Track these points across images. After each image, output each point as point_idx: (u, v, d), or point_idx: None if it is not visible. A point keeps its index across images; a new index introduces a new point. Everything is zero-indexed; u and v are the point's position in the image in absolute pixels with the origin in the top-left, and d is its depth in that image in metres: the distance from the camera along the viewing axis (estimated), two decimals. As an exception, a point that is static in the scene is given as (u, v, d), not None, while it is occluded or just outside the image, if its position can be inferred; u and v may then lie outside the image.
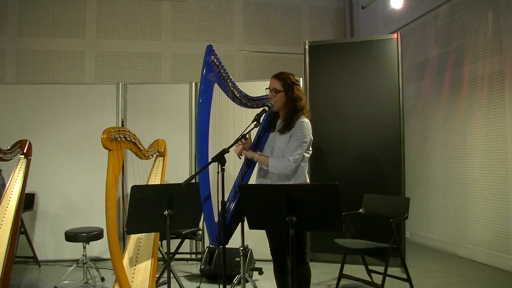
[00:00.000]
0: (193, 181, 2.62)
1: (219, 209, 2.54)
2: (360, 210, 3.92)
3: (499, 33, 4.48)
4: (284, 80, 2.76)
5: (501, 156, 4.44)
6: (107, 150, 3.06)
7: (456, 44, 5.10)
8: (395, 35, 4.65)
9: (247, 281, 3.20)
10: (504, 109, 4.42)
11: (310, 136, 2.73)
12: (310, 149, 2.79)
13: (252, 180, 2.86)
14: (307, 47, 4.93)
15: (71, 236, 3.92)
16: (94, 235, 3.97)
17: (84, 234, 3.92)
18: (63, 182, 4.94)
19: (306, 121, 2.73)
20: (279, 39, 7.22)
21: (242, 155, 2.80)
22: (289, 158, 2.63)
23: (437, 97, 5.43)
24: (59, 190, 4.93)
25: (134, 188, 2.67)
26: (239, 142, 2.69)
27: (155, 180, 3.90)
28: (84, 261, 3.97)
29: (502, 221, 4.41)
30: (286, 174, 2.68)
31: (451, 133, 5.17)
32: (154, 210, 2.70)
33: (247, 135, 2.68)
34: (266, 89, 2.82)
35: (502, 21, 4.44)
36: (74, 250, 4.56)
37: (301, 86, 2.92)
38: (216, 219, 2.69)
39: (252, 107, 2.91)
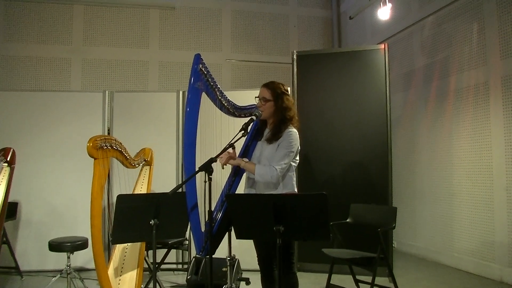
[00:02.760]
0: (180, 190, 2.61)
1: (206, 219, 2.52)
2: (347, 220, 3.93)
3: (484, 45, 4.57)
4: (274, 90, 2.78)
5: (487, 165, 4.51)
6: (93, 159, 3.03)
7: (442, 55, 5.18)
8: (382, 46, 4.71)
9: (234, 292, 3.18)
10: (489, 119, 4.50)
11: (297, 146, 2.74)
12: (297, 158, 2.80)
13: (240, 190, 2.86)
14: (295, 56, 4.96)
15: (55, 246, 3.86)
16: (79, 244, 3.91)
17: (69, 244, 3.86)
18: (47, 191, 4.87)
19: (294, 131, 2.74)
20: (267, 48, 7.26)
21: (226, 165, 2.79)
22: (276, 167, 2.64)
23: (424, 107, 5.50)
24: (43, 199, 4.86)
25: (120, 197, 2.64)
26: (227, 152, 2.69)
27: (142, 189, 3.88)
28: (68, 272, 3.90)
29: (488, 229, 4.46)
30: (273, 183, 2.68)
31: (437, 142, 5.24)
32: (140, 220, 2.67)
33: (234, 144, 2.68)
34: (255, 97, 2.83)
35: (487, 33, 4.53)
36: (58, 260, 4.49)
37: (290, 96, 2.94)
38: (203, 229, 2.67)
39: (240, 116, 2.91)
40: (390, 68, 4.68)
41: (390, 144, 4.59)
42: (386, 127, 4.58)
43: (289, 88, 2.94)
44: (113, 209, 2.72)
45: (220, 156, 2.67)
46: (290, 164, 2.72)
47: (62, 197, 4.89)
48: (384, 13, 5.62)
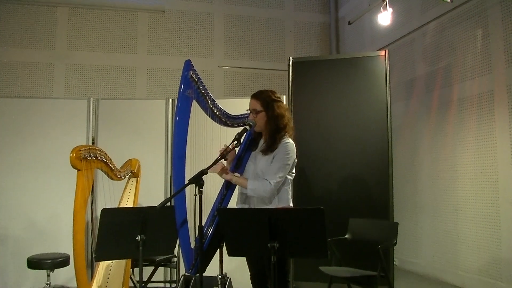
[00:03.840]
0: (169, 204, 2.60)
1: (196, 234, 2.52)
2: (346, 236, 3.93)
3: (488, 52, 4.62)
4: (263, 100, 2.79)
5: (492, 178, 4.53)
6: (76, 170, 3.02)
7: (445, 63, 5.23)
8: (382, 52, 4.74)
9: (226, 312, 3.15)
10: (494, 130, 4.53)
11: (293, 158, 2.75)
12: (294, 171, 2.81)
13: (232, 203, 2.85)
14: (291, 63, 4.99)
15: (34, 263, 3.81)
16: (60, 261, 3.87)
17: (49, 261, 3.82)
18: (26, 203, 4.81)
19: (290, 142, 2.75)
20: (261, 54, 7.30)
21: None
22: (270, 181, 2.64)
23: (426, 117, 5.54)
24: (22, 212, 4.81)
25: (105, 211, 2.63)
26: (219, 163, 2.69)
27: (128, 202, 3.86)
28: (48, 291, 3.87)
29: (494, 246, 4.47)
30: (267, 197, 2.68)
31: (440, 154, 5.27)
32: (125, 235, 2.66)
33: (226, 155, 2.69)
34: (247, 110, 2.84)
35: (491, 40, 4.59)
36: (37, 278, 4.43)
37: (283, 102, 2.95)
38: (192, 245, 2.66)
39: (233, 125, 2.93)
40: (390, 76, 4.71)
41: (391, 155, 4.61)
42: (387, 137, 4.60)
43: (284, 96, 2.96)
44: (97, 223, 2.71)
45: (214, 167, 2.67)
46: (286, 178, 2.73)
47: (43, 211, 4.84)
48: (384, 18, 5.67)
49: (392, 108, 4.74)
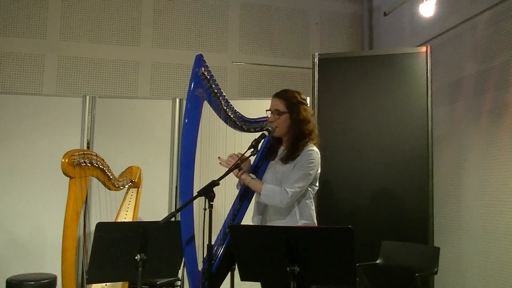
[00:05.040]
0: (174, 219, 2.62)
1: (205, 255, 2.53)
2: (377, 261, 3.91)
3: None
4: (288, 100, 2.81)
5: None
6: (68, 178, 3.06)
7: (500, 60, 5.17)
8: (423, 48, 4.73)
9: None
10: (556, 141, 4.46)
11: (317, 168, 2.76)
12: (317, 184, 2.81)
13: (248, 220, 2.86)
14: (316, 60, 5.00)
15: (14, 285, 3.85)
16: (45, 283, 3.91)
17: (32, 283, 3.85)
18: (8, 216, 4.85)
19: (315, 150, 2.76)
20: (282, 49, 7.30)
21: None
22: (288, 190, 2.65)
23: (475, 124, 5.48)
24: (2, 226, 4.85)
25: (100, 225, 2.66)
26: (233, 173, 2.71)
27: (126, 216, 3.90)
28: (31, 317, 3.90)
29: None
30: (285, 209, 2.69)
31: (492, 167, 5.20)
32: (123, 254, 2.69)
33: (241, 164, 2.70)
34: (266, 111, 2.86)
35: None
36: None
37: (309, 105, 2.97)
38: (200, 267, 2.68)
39: (249, 130, 2.95)
40: (432, 76, 4.69)
41: (431, 168, 4.58)
42: (427, 148, 4.58)
43: (307, 98, 2.98)
44: (91, 240, 2.74)
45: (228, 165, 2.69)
46: (307, 190, 2.73)
47: (27, 224, 4.87)
48: (427, 8, 5.64)
49: (433, 113, 4.71)
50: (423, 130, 4.60)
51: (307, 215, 2.76)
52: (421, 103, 4.64)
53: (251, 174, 2.81)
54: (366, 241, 4.11)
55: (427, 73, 4.64)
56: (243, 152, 2.72)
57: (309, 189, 2.77)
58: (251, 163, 2.96)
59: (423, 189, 4.55)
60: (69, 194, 3.04)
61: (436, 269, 3.58)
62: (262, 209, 2.81)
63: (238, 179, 2.87)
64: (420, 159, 4.59)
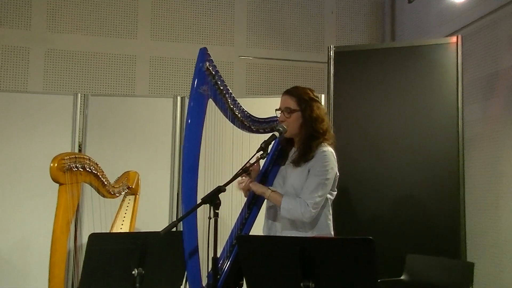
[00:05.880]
0: (175, 229, 2.63)
1: (209, 268, 2.54)
2: (401, 277, 3.90)
3: None
4: (300, 96, 2.82)
5: None
6: (58, 184, 3.08)
7: (541, 52, 5.15)
8: (454, 39, 4.72)
9: None
10: None
11: (335, 171, 2.77)
12: (335, 189, 2.82)
13: (257, 230, 2.87)
14: (332, 53, 5.00)
15: (-4, 303, 3.88)
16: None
17: (16, 301, 3.88)
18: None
19: (329, 150, 2.77)
20: (294, 42, 7.30)
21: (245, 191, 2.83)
22: (308, 202, 2.65)
23: (511, 123, 5.46)
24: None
25: (93, 236, 2.68)
26: (240, 178, 2.72)
27: (122, 226, 3.92)
28: None
29: None
30: (303, 222, 2.69)
31: (530, 173, 5.18)
32: (119, 268, 2.70)
33: (250, 168, 2.71)
34: (276, 110, 2.87)
35: None
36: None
37: (322, 103, 2.97)
38: (204, 282, 2.69)
39: (258, 131, 2.96)
40: (463, 70, 4.67)
41: (463, 173, 4.56)
42: (457, 150, 4.56)
43: (322, 95, 2.98)
44: (83, 253, 2.75)
45: (241, 178, 2.70)
46: (326, 198, 2.74)
47: (10, 236, 4.87)
48: (456, -6, 5.63)
49: (465, 111, 4.69)
50: (453, 130, 4.59)
51: (324, 226, 2.77)
52: (451, 100, 4.62)
53: (271, 187, 2.81)
54: (388, 254, 4.10)
55: (457, 66, 4.63)
56: (251, 155, 2.73)
57: (328, 195, 2.78)
58: (260, 167, 2.98)
59: (454, 196, 4.53)
60: (58, 202, 3.05)
61: (470, 287, 3.56)
62: (274, 214, 2.82)
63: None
64: (449, 163, 4.57)
